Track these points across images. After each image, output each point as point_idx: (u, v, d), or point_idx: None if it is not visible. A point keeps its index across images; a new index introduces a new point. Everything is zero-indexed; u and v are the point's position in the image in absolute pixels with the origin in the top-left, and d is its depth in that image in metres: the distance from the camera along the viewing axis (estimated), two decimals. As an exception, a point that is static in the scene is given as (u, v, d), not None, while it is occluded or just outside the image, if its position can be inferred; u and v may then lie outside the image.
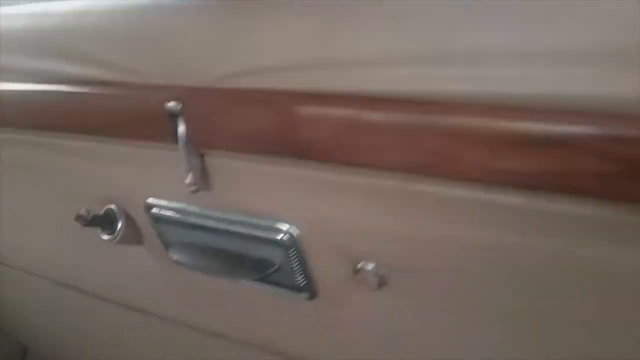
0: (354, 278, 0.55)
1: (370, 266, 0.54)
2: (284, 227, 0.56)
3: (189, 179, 0.57)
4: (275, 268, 0.59)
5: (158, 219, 0.65)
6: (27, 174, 0.76)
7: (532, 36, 0.37)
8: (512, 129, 0.38)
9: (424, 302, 0.53)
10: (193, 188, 0.57)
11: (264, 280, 0.61)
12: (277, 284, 0.61)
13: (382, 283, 0.54)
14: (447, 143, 0.41)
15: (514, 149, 0.39)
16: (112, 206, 0.70)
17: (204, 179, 0.58)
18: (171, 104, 0.54)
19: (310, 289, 0.60)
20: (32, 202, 0.79)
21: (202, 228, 0.62)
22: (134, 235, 0.70)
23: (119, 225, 0.69)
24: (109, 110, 0.61)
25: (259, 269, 0.59)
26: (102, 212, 0.69)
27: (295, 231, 0.56)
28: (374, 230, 0.51)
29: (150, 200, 0.65)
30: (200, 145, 0.55)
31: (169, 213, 0.64)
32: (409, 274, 0.52)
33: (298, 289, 0.60)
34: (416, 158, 0.44)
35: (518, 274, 0.46)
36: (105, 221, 0.69)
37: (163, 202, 0.64)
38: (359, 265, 0.55)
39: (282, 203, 0.55)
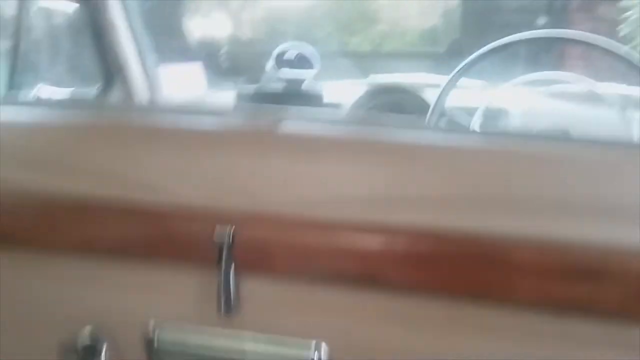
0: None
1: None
2: (314, 345, 0.61)
3: (223, 302, 0.59)
4: (298, 387, 0.62)
5: (160, 343, 0.63)
6: None
7: None
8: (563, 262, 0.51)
9: None
10: (225, 310, 0.59)
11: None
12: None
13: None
14: (503, 273, 0.53)
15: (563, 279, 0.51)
16: (87, 330, 0.65)
17: (236, 302, 0.60)
18: (221, 228, 0.57)
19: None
20: None
21: (216, 349, 0.62)
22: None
23: (103, 353, 0.64)
24: (122, 230, 0.61)
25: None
26: (82, 339, 0.64)
27: (324, 349, 0.60)
28: (404, 349, 0.59)
29: (152, 323, 0.63)
30: (246, 269, 0.58)
31: (176, 335, 0.63)
32: None
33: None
34: (471, 286, 0.54)
35: None
36: (87, 350, 0.64)
37: (168, 325, 0.63)
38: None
39: (316, 323, 0.60)
